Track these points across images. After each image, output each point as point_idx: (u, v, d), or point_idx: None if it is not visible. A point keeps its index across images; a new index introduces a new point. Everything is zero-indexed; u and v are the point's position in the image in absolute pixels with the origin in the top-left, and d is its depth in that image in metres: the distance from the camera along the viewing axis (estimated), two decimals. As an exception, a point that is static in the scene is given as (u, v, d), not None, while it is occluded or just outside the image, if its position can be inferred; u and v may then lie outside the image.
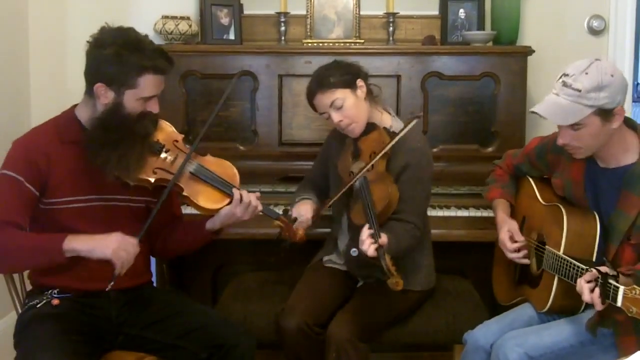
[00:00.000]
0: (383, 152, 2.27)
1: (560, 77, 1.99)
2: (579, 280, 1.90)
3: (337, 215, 2.54)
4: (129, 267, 2.04)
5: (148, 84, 2.06)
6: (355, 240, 2.15)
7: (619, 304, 1.77)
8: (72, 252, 1.99)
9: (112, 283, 2.01)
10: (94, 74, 2.07)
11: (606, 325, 2.01)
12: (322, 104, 2.36)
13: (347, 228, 2.48)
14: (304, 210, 2.40)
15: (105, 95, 2.06)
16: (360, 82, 2.38)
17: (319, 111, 2.41)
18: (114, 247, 2.00)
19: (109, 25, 2.11)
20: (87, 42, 2.09)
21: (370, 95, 2.44)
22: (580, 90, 1.92)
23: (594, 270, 1.87)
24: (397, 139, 2.28)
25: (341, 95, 2.34)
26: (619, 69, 1.99)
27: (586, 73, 1.93)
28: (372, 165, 2.28)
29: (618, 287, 1.77)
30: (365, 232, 2.09)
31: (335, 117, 2.34)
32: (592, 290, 1.84)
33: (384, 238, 2.07)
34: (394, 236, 2.17)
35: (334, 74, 2.36)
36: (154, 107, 2.12)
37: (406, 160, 2.33)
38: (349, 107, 2.34)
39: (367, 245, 2.06)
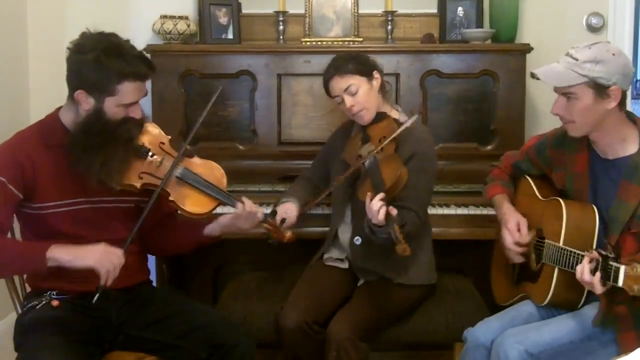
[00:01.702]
0: (395, 134, 2.29)
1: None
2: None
3: (340, 207, 2.54)
4: (123, 271, 2.02)
5: (128, 91, 2.05)
6: (358, 230, 2.15)
7: (620, 283, 1.77)
8: (54, 261, 1.97)
9: (97, 295, 1.98)
10: (74, 80, 2.05)
11: (607, 323, 2.01)
12: (338, 87, 2.43)
13: (351, 219, 2.49)
14: (289, 208, 2.45)
15: (87, 102, 2.04)
16: (376, 74, 2.47)
17: (333, 94, 2.46)
18: (97, 256, 1.98)
19: (89, 30, 2.09)
20: (68, 48, 2.07)
21: (383, 90, 2.51)
22: (577, 60, 1.98)
23: (594, 252, 1.88)
24: (408, 123, 2.31)
25: (357, 81, 2.41)
26: (627, 56, 2.02)
27: (589, 48, 1.99)
28: (382, 148, 2.30)
29: (619, 267, 1.78)
30: (375, 200, 2.10)
31: (348, 101, 2.41)
32: (592, 273, 1.85)
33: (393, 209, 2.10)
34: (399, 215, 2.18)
35: (354, 61, 2.44)
36: (136, 113, 2.10)
37: (413, 149, 2.36)
38: (362, 94, 2.41)
39: (376, 210, 2.07)
